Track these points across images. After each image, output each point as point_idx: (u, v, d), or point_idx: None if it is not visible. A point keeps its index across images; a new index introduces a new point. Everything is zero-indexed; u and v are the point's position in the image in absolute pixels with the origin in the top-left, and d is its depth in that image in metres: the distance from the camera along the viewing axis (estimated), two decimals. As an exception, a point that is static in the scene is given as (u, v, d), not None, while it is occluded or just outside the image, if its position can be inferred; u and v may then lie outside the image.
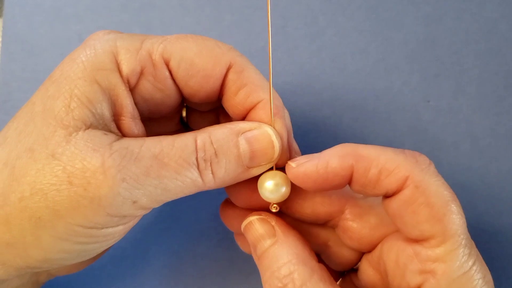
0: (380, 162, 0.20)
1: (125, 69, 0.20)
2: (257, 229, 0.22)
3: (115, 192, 0.18)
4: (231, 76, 0.22)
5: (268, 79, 0.22)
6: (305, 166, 0.21)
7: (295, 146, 0.24)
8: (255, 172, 0.22)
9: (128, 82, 0.21)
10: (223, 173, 0.21)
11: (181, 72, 0.21)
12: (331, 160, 0.20)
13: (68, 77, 0.20)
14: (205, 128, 0.21)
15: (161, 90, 0.22)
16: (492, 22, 0.33)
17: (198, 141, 0.20)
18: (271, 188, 0.22)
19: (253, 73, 0.22)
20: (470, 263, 0.18)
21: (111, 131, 0.20)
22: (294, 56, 0.33)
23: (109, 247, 0.26)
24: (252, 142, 0.21)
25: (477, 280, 0.18)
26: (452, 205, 0.19)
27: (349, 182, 0.21)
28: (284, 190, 0.22)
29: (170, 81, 0.22)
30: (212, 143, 0.20)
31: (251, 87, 0.22)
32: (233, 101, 0.22)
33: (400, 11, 0.33)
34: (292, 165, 0.21)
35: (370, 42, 0.33)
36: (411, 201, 0.19)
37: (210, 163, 0.20)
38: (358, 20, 0.33)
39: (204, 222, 0.31)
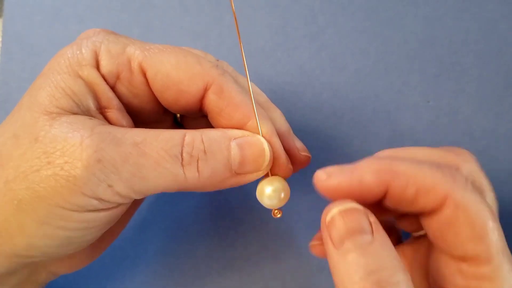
0: (418, 180, 0.19)
1: (103, 69, 0.21)
2: (357, 220, 0.18)
3: (89, 172, 0.18)
4: (211, 97, 0.22)
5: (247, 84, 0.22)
6: (337, 180, 0.19)
7: (298, 144, 0.24)
8: (243, 179, 0.21)
9: (106, 82, 0.21)
10: (209, 172, 0.20)
11: (157, 83, 0.21)
12: (365, 176, 0.19)
13: (55, 71, 0.20)
14: (200, 129, 0.21)
15: (136, 96, 0.22)
16: (492, 22, 0.33)
17: (187, 137, 0.20)
18: (270, 194, 0.22)
19: (233, 92, 0.22)
20: None
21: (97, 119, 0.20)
22: (294, 56, 0.33)
23: (111, 240, 0.26)
24: (244, 147, 0.21)
25: None
26: (493, 223, 0.18)
27: (383, 198, 0.20)
28: (283, 195, 0.22)
29: (146, 89, 0.22)
30: (203, 141, 0.20)
31: (233, 108, 0.22)
32: (218, 122, 0.22)
33: (400, 11, 0.33)
34: (322, 176, 0.20)
35: (370, 42, 0.33)
36: (452, 221, 0.18)
37: (198, 160, 0.20)
38: (358, 20, 0.33)
39: (204, 222, 0.31)
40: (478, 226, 0.18)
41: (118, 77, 0.21)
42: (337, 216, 0.18)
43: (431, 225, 0.19)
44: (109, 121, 0.21)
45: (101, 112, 0.21)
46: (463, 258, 0.18)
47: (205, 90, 0.22)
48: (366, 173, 0.19)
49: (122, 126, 0.21)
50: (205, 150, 0.20)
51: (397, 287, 0.16)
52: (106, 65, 0.21)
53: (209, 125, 0.26)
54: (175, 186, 0.20)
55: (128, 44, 0.21)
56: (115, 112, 0.21)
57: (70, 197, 0.18)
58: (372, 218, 0.18)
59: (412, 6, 0.33)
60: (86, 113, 0.20)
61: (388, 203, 0.20)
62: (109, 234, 0.25)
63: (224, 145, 0.20)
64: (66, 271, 0.24)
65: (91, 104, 0.20)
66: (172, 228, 0.30)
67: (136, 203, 0.27)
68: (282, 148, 0.23)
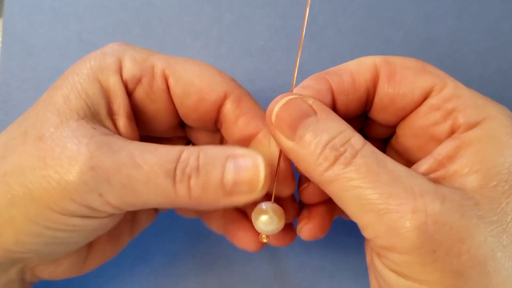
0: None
1: (126, 73, 0.22)
2: (298, 106, 0.19)
3: (81, 179, 0.18)
4: (230, 105, 0.22)
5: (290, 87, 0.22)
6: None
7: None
8: (236, 200, 0.20)
9: (126, 87, 0.22)
10: (199, 191, 0.19)
11: (179, 89, 0.22)
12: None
13: (74, 72, 0.21)
14: (202, 145, 0.21)
15: (154, 102, 0.22)
16: (492, 22, 0.33)
17: (184, 153, 0.20)
18: (265, 221, 0.22)
19: (251, 103, 0.23)
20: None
21: (105, 127, 0.21)
22: (294, 56, 0.33)
23: (102, 261, 0.26)
24: (240, 167, 0.20)
25: None
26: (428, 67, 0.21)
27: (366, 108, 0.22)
28: (277, 225, 0.22)
29: (165, 96, 0.22)
30: (198, 158, 0.20)
31: (250, 116, 0.23)
32: (232, 130, 0.23)
33: (400, 10, 0.33)
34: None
35: (370, 42, 0.33)
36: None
37: (189, 177, 0.19)
38: (358, 20, 0.33)
39: (204, 222, 0.31)
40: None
41: (139, 81, 0.22)
42: (279, 112, 0.20)
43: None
44: (117, 128, 0.21)
45: (111, 117, 0.21)
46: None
47: (224, 98, 0.22)
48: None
49: (128, 134, 0.22)
50: (198, 168, 0.19)
51: (350, 144, 0.18)
52: (129, 70, 0.22)
53: (216, 141, 0.26)
54: (166, 202, 0.20)
55: (152, 54, 0.23)
56: (124, 120, 0.22)
57: (60, 201, 0.19)
58: (310, 100, 0.20)
59: (412, 5, 0.33)
60: (96, 117, 0.21)
61: (372, 111, 0.22)
62: (100, 253, 0.25)
63: (220, 163, 0.20)
64: (50, 276, 0.24)
65: (102, 109, 0.21)
66: (172, 228, 0.30)
67: (133, 231, 0.27)
68: (290, 166, 0.23)
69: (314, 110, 0.19)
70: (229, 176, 0.20)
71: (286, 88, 0.33)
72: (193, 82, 0.22)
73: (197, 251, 0.30)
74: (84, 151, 0.19)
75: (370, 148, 0.18)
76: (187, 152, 0.20)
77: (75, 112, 0.20)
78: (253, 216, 0.22)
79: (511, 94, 0.32)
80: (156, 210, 0.27)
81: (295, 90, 0.21)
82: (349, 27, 0.33)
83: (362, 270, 0.31)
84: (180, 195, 0.19)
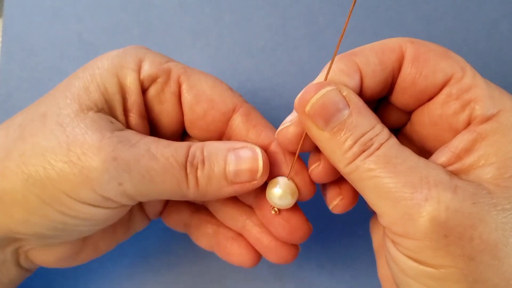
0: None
1: (143, 73, 0.23)
2: (333, 98, 0.19)
3: (104, 167, 0.19)
4: (240, 119, 0.23)
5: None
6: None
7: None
8: (240, 188, 0.22)
9: (142, 86, 0.23)
10: (206, 181, 0.21)
11: (190, 95, 0.23)
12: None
13: (96, 66, 0.22)
14: (205, 141, 0.23)
15: (161, 102, 0.23)
16: (492, 22, 0.33)
17: (192, 147, 0.22)
18: (280, 195, 0.23)
19: (259, 116, 0.24)
20: None
21: (119, 121, 0.22)
22: (294, 56, 0.33)
23: (95, 255, 0.26)
24: (240, 158, 0.22)
25: None
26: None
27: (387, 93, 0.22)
28: (289, 201, 0.23)
29: (174, 99, 0.23)
30: (203, 151, 0.22)
31: (260, 128, 0.24)
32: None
33: (400, 10, 0.33)
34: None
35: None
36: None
37: (196, 169, 0.21)
38: (358, 20, 0.33)
39: (204, 222, 0.31)
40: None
41: (154, 81, 0.23)
42: (315, 103, 0.20)
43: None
44: (128, 124, 0.23)
45: (125, 114, 0.22)
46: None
47: (233, 111, 0.23)
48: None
49: (139, 131, 0.23)
50: (203, 160, 0.21)
51: (376, 138, 0.19)
52: (147, 70, 0.23)
53: None
54: (177, 193, 0.21)
55: (171, 60, 0.24)
56: (136, 117, 0.23)
57: (79, 187, 0.20)
58: (345, 92, 0.20)
59: (412, 6, 0.33)
60: (112, 111, 0.22)
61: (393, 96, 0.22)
62: (92, 247, 0.26)
63: (222, 155, 0.22)
64: (43, 263, 0.25)
65: (118, 104, 0.22)
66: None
67: (128, 232, 0.27)
68: (309, 177, 0.23)
69: (347, 102, 0.20)
70: (231, 166, 0.21)
71: (286, 88, 0.33)
72: (205, 91, 0.23)
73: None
74: (107, 142, 0.20)
75: (392, 140, 0.19)
76: (194, 146, 0.22)
77: (93, 103, 0.21)
78: (268, 187, 0.23)
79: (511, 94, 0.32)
80: (148, 217, 0.28)
81: (326, 75, 0.21)
82: (349, 27, 0.33)
83: (362, 270, 0.31)
84: (190, 185, 0.21)
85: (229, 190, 0.22)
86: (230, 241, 0.26)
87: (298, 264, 0.31)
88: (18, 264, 0.24)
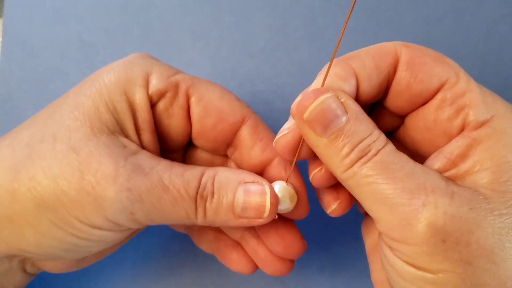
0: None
1: (152, 88, 0.22)
2: (332, 105, 0.19)
3: (118, 198, 0.20)
4: (247, 130, 0.24)
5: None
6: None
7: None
8: (246, 222, 0.22)
9: (151, 101, 0.22)
10: (213, 213, 0.22)
11: (199, 108, 0.23)
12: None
13: (102, 81, 0.22)
14: (217, 167, 0.23)
15: (170, 116, 0.23)
16: (491, 23, 0.33)
17: (203, 177, 0.22)
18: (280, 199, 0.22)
19: (266, 130, 0.24)
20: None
21: (131, 141, 0.22)
22: (294, 56, 0.33)
23: (98, 258, 0.26)
24: (249, 194, 0.22)
25: None
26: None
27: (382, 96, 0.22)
28: (288, 205, 0.23)
29: (182, 112, 0.23)
30: (213, 183, 0.22)
31: (265, 142, 0.24)
32: (248, 155, 0.24)
33: (400, 11, 0.33)
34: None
35: (370, 42, 0.33)
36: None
37: (205, 201, 0.21)
38: (358, 20, 0.33)
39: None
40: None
41: (163, 95, 0.23)
42: (314, 110, 0.20)
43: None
44: (141, 143, 0.22)
45: (137, 132, 0.22)
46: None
47: (242, 123, 0.24)
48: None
49: (151, 148, 0.23)
50: (213, 192, 0.21)
51: (374, 144, 0.19)
52: (155, 84, 0.22)
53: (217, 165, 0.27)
54: (186, 221, 0.22)
55: (179, 72, 0.24)
56: (148, 135, 0.23)
57: (91, 215, 0.20)
58: (343, 98, 0.20)
59: (412, 6, 0.33)
60: (123, 131, 0.22)
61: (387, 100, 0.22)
62: (98, 252, 0.26)
63: (232, 189, 0.22)
64: (50, 270, 0.25)
65: (129, 124, 0.22)
66: (172, 228, 0.30)
67: (131, 233, 0.27)
68: (305, 190, 0.24)
69: (345, 109, 0.20)
70: (239, 201, 0.21)
71: (286, 88, 0.33)
72: (214, 103, 0.23)
73: (198, 251, 0.30)
74: (121, 172, 0.20)
75: (390, 147, 0.19)
76: (206, 176, 0.22)
77: (105, 125, 0.21)
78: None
79: (510, 95, 0.32)
80: None
81: (323, 78, 0.21)
82: (348, 28, 0.33)
83: (362, 270, 0.31)
84: (198, 216, 0.21)
85: (236, 223, 0.22)
86: (230, 248, 0.27)
87: (299, 265, 0.31)
88: (24, 270, 0.24)
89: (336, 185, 0.23)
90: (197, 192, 0.21)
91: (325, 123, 0.19)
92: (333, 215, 0.24)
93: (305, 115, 0.20)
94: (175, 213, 0.21)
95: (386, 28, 0.33)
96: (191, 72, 0.25)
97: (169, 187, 0.21)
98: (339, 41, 0.20)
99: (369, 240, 0.25)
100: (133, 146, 0.22)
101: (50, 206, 0.20)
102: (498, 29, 0.33)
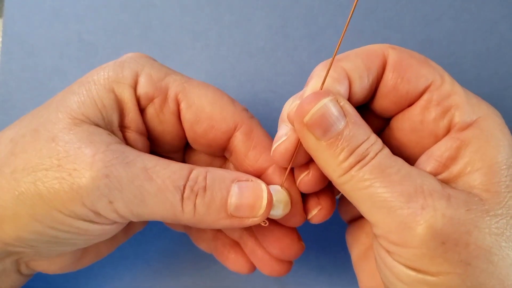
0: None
1: (140, 90, 0.22)
2: (332, 109, 0.19)
3: (94, 184, 0.19)
4: (240, 137, 0.23)
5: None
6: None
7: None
8: (237, 222, 0.21)
9: (139, 103, 0.22)
10: (204, 210, 0.20)
11: (190, 114, 0.22)
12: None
13: (92, 80, 0.21)
14: (208, 167, 0.22)
15: (162, 123, 0.23)
16: (491, 23, 0.33)
17: (194, 172, 0.21)
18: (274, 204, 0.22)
19: (262, 135, 0.23)
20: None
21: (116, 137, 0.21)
22: (294, 56, 0.33)
23: (96, 258, 0.26)
24: (243, 191, 0.21)
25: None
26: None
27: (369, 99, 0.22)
28: (282, 211, 0.22)
29: (174, 119, 0.23)
30: (206, 178, 0.21)
31: (260, 150, 0.23)
32: (242, 162, 0.23)
33: (399, 11, 0.33)
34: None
35: (370, 42, 0.33)
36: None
37: (196, 195, 0.20)
38: (357, 20, 0.33)
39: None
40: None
41: (151, 100, 0.22)
42: (315, 114, 0.19)
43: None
44: (126, 141, 0.22)
45: (122, 130, 0.22)
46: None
47: (234, 129, 0.23)
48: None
49: (137, 148, 0.22)
50: (205, 187, 0.21)
51: (371, 149, 0.19)
52: (144, 87, 0.22)
53: (217, 166, 0.26)
54: (171, 217, 0.20)
55: (170, 74, 0.23)
56: (134, 133, 0.22)
57: (69, 203, 0.19)
58: (342, 102, 0.20)
59: (411, 6, 0.33)
60: (108, 127, 0.21)
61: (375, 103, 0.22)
62: (94, 252, 0.26)
63: (225, 185, 0.21)
64: (45, 271, 0.25)
65: (114, 120, 0.21)
66: (172, 229, 0.30)
67: (128, 233, 0.27)
68: (300, 198, 0.23)
69: (344, 113, 0.19)
70: (233, 199, 0.21)
71: (286, 88, 0.33)
72: (204, 109, 0.22)
73: (197, 251, 0.30)
74: (100, 157, 0.19)
75: (386, 150, 0.19)
76: (196, 171, 0.21)
77: (86, 117, 0.20)
78: None
79: (509, 95, 0.32)
80: None
81: (319, 81, 0.21)
82: (348, 27, 0.33)
83: (361, 270, 0.31)
84: (185, 211, 0.20)
85: (226, 223, 0.21)
86: (228, 248, 0.26)
87: (298, 265, 0.31)
88: (18, 271, 0.24)
89: (318, 191, 0.23)
90: (185, 184, 0.20)
91: (325, 127, 0.19)
92: (313, 221, 0.24)
93: (306, 118, 0.19)
94: (159, 206, 0.20)
95: (386, 28, 0.33)
96: (190, 72, 0.25)
97: (153, 176, 0.20)
98: (340, 41, 0.20)
99: (356, 249, 0.25)
100: (119, 137, 0.21)
101: (28, 197, 0.19)
102: (498, 29, 0.33)
